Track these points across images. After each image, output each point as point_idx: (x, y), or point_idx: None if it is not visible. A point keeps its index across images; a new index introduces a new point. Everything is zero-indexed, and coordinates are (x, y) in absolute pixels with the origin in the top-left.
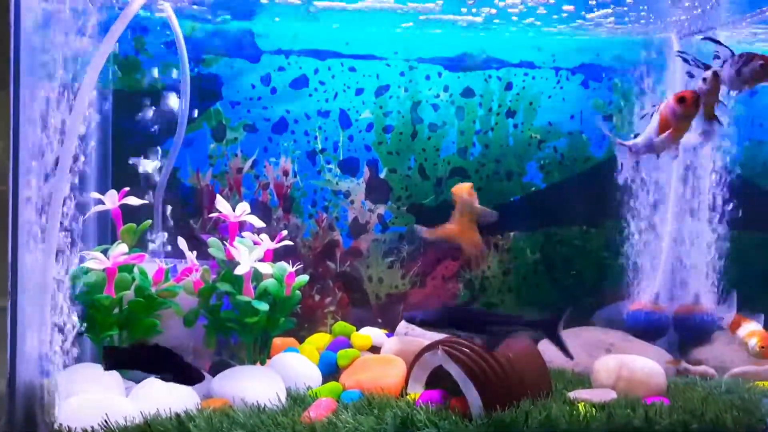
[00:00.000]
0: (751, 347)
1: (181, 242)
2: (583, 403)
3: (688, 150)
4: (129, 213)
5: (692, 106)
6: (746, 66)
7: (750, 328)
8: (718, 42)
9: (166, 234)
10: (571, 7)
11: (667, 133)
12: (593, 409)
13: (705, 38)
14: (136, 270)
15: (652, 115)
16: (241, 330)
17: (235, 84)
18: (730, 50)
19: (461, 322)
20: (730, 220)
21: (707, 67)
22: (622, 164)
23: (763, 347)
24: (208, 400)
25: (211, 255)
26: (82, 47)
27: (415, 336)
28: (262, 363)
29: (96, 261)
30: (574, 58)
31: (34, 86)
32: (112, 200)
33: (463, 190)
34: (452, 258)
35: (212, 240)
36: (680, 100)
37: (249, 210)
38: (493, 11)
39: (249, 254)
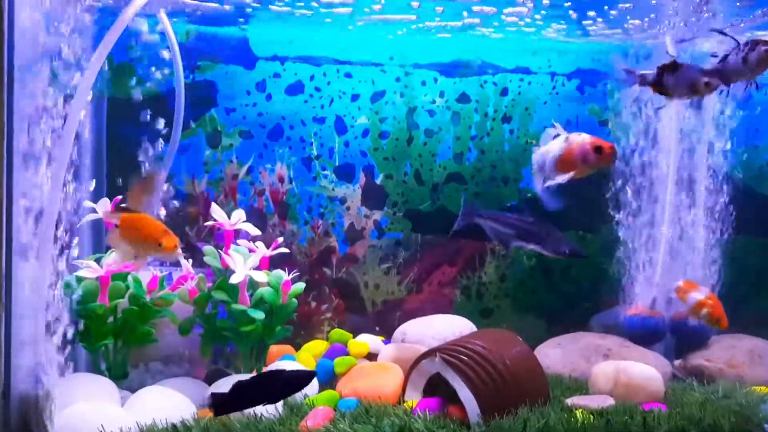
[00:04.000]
0: (703, 317)
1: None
2: (581, 410)
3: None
4: None
5: (609, 159)
6: (752, 52)
7: (697, 298)
8: (723, 33)
9: None
10: (572, 13)
11: (566, 175)
12: (591, 415)
13: (711, 29)
14: (130, 278)
15: (554, 137)
16: (237, 338)
17: (231, 90)
18: (735, 40)
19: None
20: (726, 224)
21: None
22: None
23: (717, 318)
24: (205, 410)
25: (206, 263)
26: (77, 52)
27: (412, 343)
28: (259, 371)
29: (89, 270)
30: (569, 64)
31: (28, 92)
32: (104, 208)
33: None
34: (449, 264)
35: (207, 248)
36: (597, 149)
37: (245, 218)
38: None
39: (244, 262)
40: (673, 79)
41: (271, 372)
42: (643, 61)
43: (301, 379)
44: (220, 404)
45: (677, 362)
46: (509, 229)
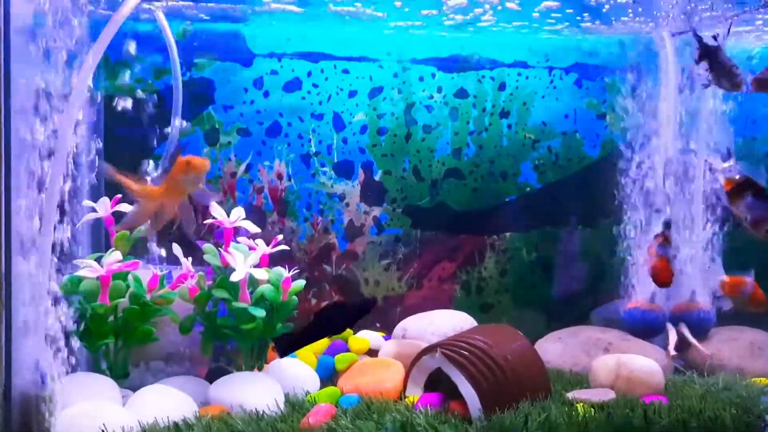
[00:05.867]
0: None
1: (176, 248)
2: (582, 404)
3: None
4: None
5: None
6: None
7: (748, 292)
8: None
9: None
10: (560, 6)
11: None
12: (592, 409)
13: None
14: (130, 277)
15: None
16: (237, 336)
17: (228, 87)
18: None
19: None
20: (724, 217)
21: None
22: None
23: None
24: (206, 408)
25: (206, 261)
26: (73, 51)
27: (413, 339)
28: (260, 369)
29: (89, 269)
30: (567, 58)
31: (25, 91)
32: (104, 208)
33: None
34: (449, 259)
35: (207, 246)
36: None
37: (244, 215)
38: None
39: (244, 260)
40: (753, 207)
41: (333, 303)
42: (644, 53)
43: (363, 303)
44: (287, 343)
45: (669, 328)
46: None
